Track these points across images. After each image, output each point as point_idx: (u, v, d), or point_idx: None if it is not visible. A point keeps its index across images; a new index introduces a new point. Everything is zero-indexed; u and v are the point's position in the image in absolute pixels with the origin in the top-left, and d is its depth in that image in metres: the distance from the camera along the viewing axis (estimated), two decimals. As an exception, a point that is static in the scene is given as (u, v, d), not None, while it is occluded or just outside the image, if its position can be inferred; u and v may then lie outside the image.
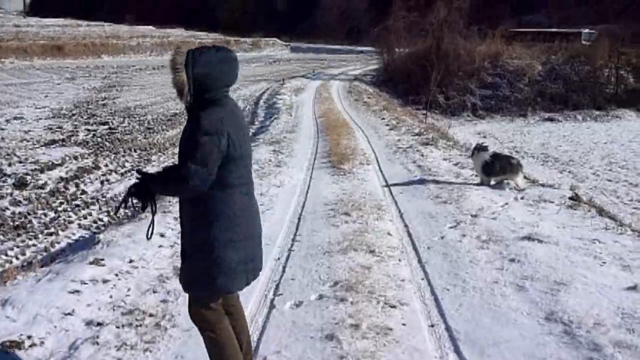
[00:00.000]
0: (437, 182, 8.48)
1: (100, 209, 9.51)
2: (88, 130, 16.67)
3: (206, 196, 2.72)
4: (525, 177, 8.68)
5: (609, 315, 3.84)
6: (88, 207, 9.55)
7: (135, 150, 13.94)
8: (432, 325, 3.87)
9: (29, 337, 3.55)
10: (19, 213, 9.02)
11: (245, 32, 73.63)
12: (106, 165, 12.33)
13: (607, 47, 30.85)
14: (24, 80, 30.10)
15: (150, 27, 68.06)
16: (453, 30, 31.69)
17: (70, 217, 9.05)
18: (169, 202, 6.61)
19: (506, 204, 7.13)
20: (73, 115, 19.48)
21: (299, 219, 6.67)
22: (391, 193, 8.01)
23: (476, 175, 8.64)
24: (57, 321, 3.76)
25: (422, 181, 8.60)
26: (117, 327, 3.74)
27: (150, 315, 3.93)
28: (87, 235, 8.09)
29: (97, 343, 3.55)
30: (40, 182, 10.76)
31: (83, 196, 10.15)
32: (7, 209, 9.20)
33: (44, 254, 7.43)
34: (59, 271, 4.58)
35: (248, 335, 3.21)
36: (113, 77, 33.29)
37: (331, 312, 4.00)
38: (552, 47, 33.76)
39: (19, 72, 34.03)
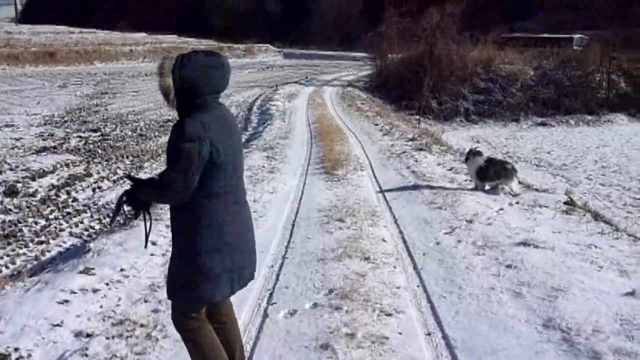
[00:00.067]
0: (431, 187, 8.43)
1: (92, 216, 9.40)
2: (80, 137, 16.54)
3: (191, 204, 2.69)
4: (519, 182, 8.65)
5: (607, 321, 3.79)
6: (79, 215, 9.44)
7: (127, 157, 13.84)
8: (429, 334, 3.81)
9: (16, 350, 3.47)
10: (9, 221, 8.90)
11: (239, 38, 73.63)
12: (98, 173, 12.21)
13: (598, 52, 31.01)
14: (15, 87, 29.92)
15: (143, 33, 67.96)
16: (446, 35, 31.75)
17: (61, 225, 8.94)
18: (161, 209, 6.53)
19: (501, 209, 7.08)
20: (65, 122, 19.34)
21: (293, 225, 6.60)
22: (385, 199, 7.95)
23: (470, 181, 8.60)
24: (45, 333, 3.68)
25: (416, 187, 8.55)
26: (107, 338, 3.66)
27: (141, 325, 3.84)
28: (78, 244, 7.99)
29: (86, 355, 3.47)
30: (31, 189, 10.64)
31: (74, 204, 10.04)
32: (-3, 217, 9.09)
33: (35, 262, 7.33)
34: (48, 281, 4.49)
35: (241, 345, 3.14)
36: (105, 84, 33.13)
37: (326, 321, 3.93)
38: (544, 53, 33.92)
39: (10, 79, 33.84)
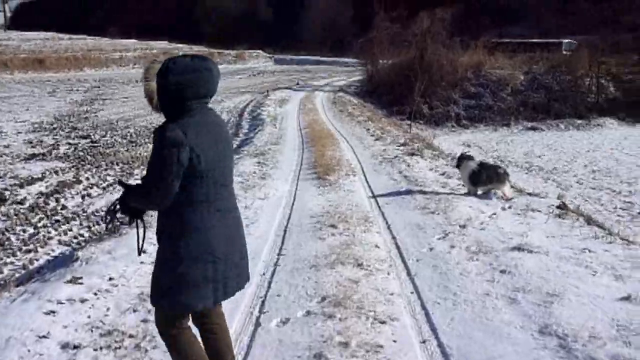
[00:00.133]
0: (423, 192, 8.39)
1: (81, 224, 9.28)
2: (69, 144, 16.40)
3: (172, 210, 2.65)
4: (512, 187, 8.63)
5: (604, 327, 3.74)
6: (68, 223, 9.31)
7: (117, 164, 13.72)
8: (424, 341, 3.75)
9: (1, 362, 3.38)
10: (-3, 230, 8.78)
11: (230, 44, 73.55)
12: (87, 179, 12.08)
13: (588, 56, 31.20)
14: (4, 94, 29.68)
15: (133, 40, 67.80)
16: (436, 41, 31.82)
17: (49, 232, 8.80)
18: (151, 216, 6.44)
19: (494, 213, 7.05)
20: (54, 129, 19.19)
21: (285, 232, 6.53)
22: (378, 204, 7.90)
23: (463, 185, 8.57)
24: (31, 344, 3.58)
25: (408, 192, 8.51)
26: (95, 350, 3.57)
27: (130, 336, 3.76)
28: (67, 252, 7.86)
29: (74, 367, 3.39)
30: (20, 197, 10.50)
31: (63, 211, 9.91)
32: (-15, 225, 8.95)
33: (23, 271, 7.20)
34: (35, 291, 4.39)
35: (233, 356, 3.07)
36: (95, 90, 32.96)
37: (319, 330, 3.86)
38: (534, 57, 34.06)
39: (-1, 86, 33.63)
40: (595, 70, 30.74)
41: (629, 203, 13.21)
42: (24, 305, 4.12)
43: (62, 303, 4.18)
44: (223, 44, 73.37)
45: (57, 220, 9.37)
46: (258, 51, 74.93)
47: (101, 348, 3.60)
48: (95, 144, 16.44)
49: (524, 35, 50.27)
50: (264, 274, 5.12)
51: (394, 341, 3.72)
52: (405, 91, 29.14)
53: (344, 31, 74.41)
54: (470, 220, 6.69)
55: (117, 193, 10.42)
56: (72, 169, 12.95)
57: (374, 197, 8.40)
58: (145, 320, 3.98)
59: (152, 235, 5.81)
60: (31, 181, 11.63)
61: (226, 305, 3.64)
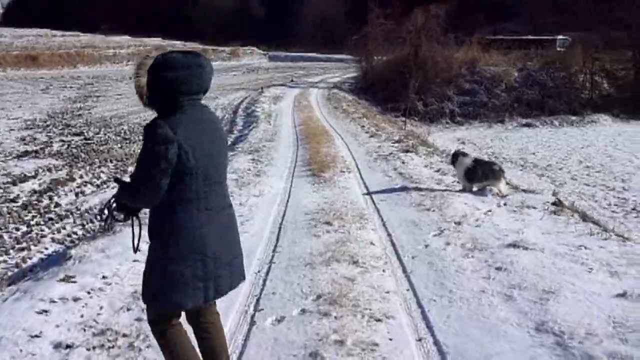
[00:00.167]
0: (419, 189, 8.37)
1: (74, 221, 9.22)
2: (63, 141, 16.31)
3: (162, 208, 2.62)
4: (507, 183, 8.62)
5: (600, 324, 3.73)
6: (62, 220, 9.25)
7: (111, 161, 13.65)
8: (420, 339, 3.72)
9: (-7, 362, 3.34)
10: (-11, 228, 8.71)
11: (224, 41, 73.33)
12: (81, 177, 12.02)
13: (582, 53, 31.22)
14: (-4, 91, 29.53)
15: (127, 36, 67.49)
16: (430, 37, 31.77)
17: (43, 231, 8.75)
18: (145, 213, 6.39)
19: (489, 210, 7.04)
20: (47, 126, 19.08)
21: (280, 229, 6.50)
22: (373, 201, 7.88)
23: (458, 182, 8.56)
24: (23, 344, 3.53)
25: (403, 188, 8.49)
26: (88, 350, 3.53)
27: (124, 335, 3.72)
28: (60, 250, 7.82)
29: (66, 367, 3.35)
30: (12, 195, 10.43)
31: (57, 209, 9.85)
32: (-23, 223, 8.88)
33: (15, 270, 7.14)
34: (27, 290, 4.35)
35: (227, 355, 3.04)
36: (89, 87, 32.80)
37: (314, 328, 3.83)
38: (528, 54, 34.04)
39: (-9, 83, 33.41)
40: (590, 67, 30.77)
41: (623, 199, 13.23)
42: (16, 304, 4.07)
43: (54, 302, 4.13)
44: (217, 40, 73.18)
45: (51, 218, 9.31)
46: (252, 48, 74.77)
47: (94, 347, 3.56)
48: (89, 141, 16.36)
49: (518, 31, 50.34)
50: (258, 271, 5.09)
51: (390, 339, 3.70)
52: (399, 88, 29.11)
53: (338, 28, 74.27)
54: (466, 217, 6.68)
55: (111, 190, 10.36)
56: (66, 167, 12.88)
57: (369, 194, 8.38)
58: (139, 319, 3.93)
59: (144, 233, 5.80)
60: (24, 179, 11.55)
61: (221, 304, 3.60)
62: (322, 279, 4.74)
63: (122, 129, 18.79)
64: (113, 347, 3.58)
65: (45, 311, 3.97)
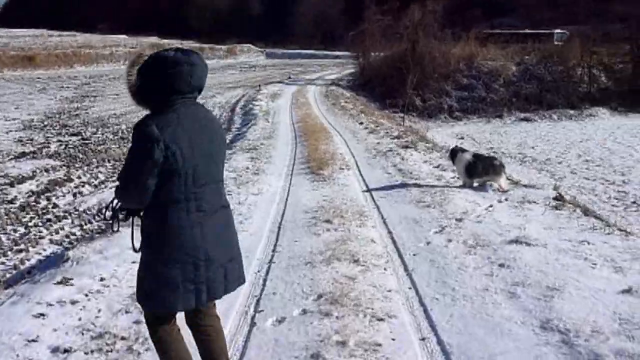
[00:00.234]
0: (419, 185, 8.31)
1: (72, 222, 9.16)
2: (60, 141, 16.24)
3: (151, 209, 2.59)
4: (507, 178, 8.56)
5: (606, 321, 3.67)
6: (60, 221, 9.19)
7: (109, 161, 13.58)
8: (423, 339, 3.66)
9: (-11, 368, 3.28)
10: (-13, 230, 8.65)
11: (220, 39, 73.21)
12: (79, 177, 11.95)
13: (579, 47, 31.17)
14: (-7, 92, 29.42)
15: (124, 35, 67.41)
16: (428, 33, 31.71)
17: (41, 232, 8.68)
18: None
19: (490, 206, 6.98)
20: (45, 126, 19.03)
21: (279, 228, 6.43)
22: (373, 198, 7.81)
23: (458, 178, 8.50)
24: (19, 349, 3.47)
25: (403, 185, 8.43)
26: (86, 353, 3.46)
27: (122, 338, 3.65)
28: (58, 251, 7.75)
29: (64, 372, 3.29)
30: (10, 196, 10.36)
31: (55, 210, 9.79)
32: (-26, 225, 8.81)
33: (14, 272, 7.08)
34: (24, 293, 4.28)
35: (227, 358, 2.98)
36: (86, 87, 32.73)
37: (316, 329, 3.76)
38: (526, 48, 33.97)
39: (-12, 84, 33.28)
40: (587, 60, 30.72)
41: (623, 193, 13.19)
42: (12, 308, 4.01)
43: (52, 305, 4.07)
44: (214, 38, 73.11)
45: (49, 219, 9.25)
46: (249, 45, 74.64)
47: (92, 351, 3.49)
48: (86, 142, 16.30)
49: (515, 26, 50.24)
50: (258, 271, 5.02)
51: (393, 339, 3.63)
52: (397, 84, 29.03)
53: (335, 24, 74.23)
54: (467, 213, 6.62)
55: (110, 190, 10.30)
56: (63, 167, 12.82)
57: (369, 191, 8.32)
58: (137, 322, 3.86)
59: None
60: (22, 180, 11.49)
61: (220, 305, 3.54)
62: (322, 278, 4.67)
63: (120, 128, 18.72)
64: (111, 350, 3.51)
65: (43, 315, 3.91)
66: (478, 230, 5.90)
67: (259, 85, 31.97)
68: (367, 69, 36.77)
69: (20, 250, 7.85)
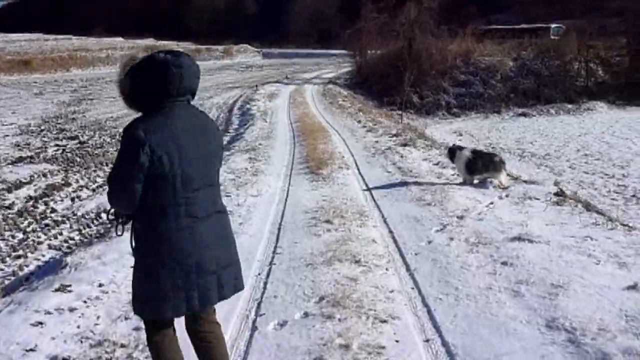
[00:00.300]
0: (418, 183, 8.26)
1: (71, 227, 9.10)
2: (57, 145, 16.17)
3: (140, 215, 2.56)
4: (508, 175, 8.52)
5: (612, 319, 3.62)
6: (58, 226, 9.13)
7: (106, 164, 13.49)
8: (427, 340, 3.61)
9: (-13, 379, 3.22)
10: (-15, 236, 8.58)
11: (217, 39, 73.12)
12: (77, 182, 11.89)
13: (576, 41, 31.12)
14: (-11, 97, 29.31)
15: (120, 38, 67.24)
16: (424, 30, 31.67)
17: (39, 237, 8.62)
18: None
19: (491, 203, 6.93)
20: (42, 131, 18.93)
21: (279, 229, 6.37)
22: (373, 197, 7.76)
23: (458, 175, 8.46)
24: (18, 359, 3.41)
25: (403, 183, 8.38)
26: (85, 362, 3.41)
27: (122, 345, 3.60)
28: (57, 256, 7.69)
29: (63, 381, 3.23)
30: (8, 202, 10.29)
31: (53, 215, 9.72)
32: (-28, 232, 8.75)
33: (12, 278, 7.02)
34: (22, 301, 4.22)
35: (228, 365, 2.92)
36: (83, 91, 32.63)
37: (318, 332, 3.70)
38: (522, 43, 33.89)
39: (-16, 89, 33.16)
40: (584, 54, 30.68)
41: (623, 186, 13.14)
42: (10, 317, 3.94)
43: (50, 313, 4.01)
44: (210, 39, 72.99)
45: (47, 225, 9.19)
46: (246, 46, 74.48)
47: (91, 360, 3.44)
48: (84, 145, 16.23)
49: (510, 22, 50.25)
50: (259, 274, 4.96)
51: (397, 341, 3.58)
52: (394, 81, 28.99)
53: (330, 23, 74.25)
54: (468, 210, 6.57)
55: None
56: (61, 171, 12.74)
57: (369, 190, 8.26)
58: (137, 328, 3.80)
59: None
60: (19, 185, 11.41)
61: (221, 309, 3.50)
62: (324, 279, 4.62)
63: (117, 131, 18.61)
64: (111, 358, 3.46)
65: (41, 323, 3.85)
66: (480, 228, 5.85)
67: (256, 85, 31.90)
68: (364, 67, 36.70)
69: (19, 256, 7.79)
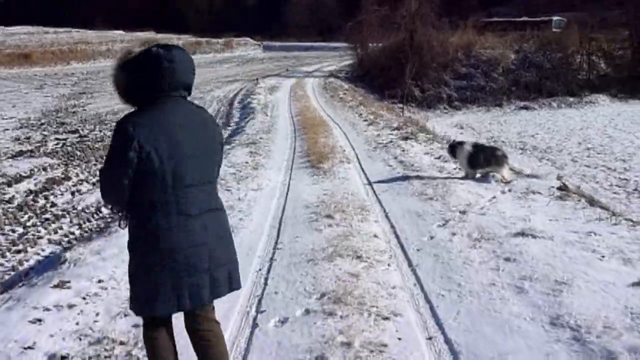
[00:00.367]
0: (420, 177, 8.21)
1: (71, 221, 9.07)
2: (57, 139, 16.11)
3: (132, 212, 2.55)
4: (510, 169, 8.46)
5: (617, 316, 3.57)
6: (58, 221, 9.09)
7: (106, 158, 13.45)
8: (430, 338, 3.56)
9: (-16, 378, 3.18)
10: (-16, 230, 8.54)
11: (217, 32, 72.77)
12: (77, 175, 11.85)
13: (578, 33, 31.00)
14: (-11, 90, 29.23)
15: (120, 31, 66.97)
16: (425, 22, 31.53)
17: (39, 232, 8.59)
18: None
19: (494, 197, 6.88)
20: (42, 124, 18.87)
21: (280, 224, 6.32)
22: (374, 192, 7.71)
23: (460, 169, 8.40)
24: (15, 357, 3.36)
25: (405, 177, 8.33)
26: (84, 360, 3.37)
27: (121, 343, 3.55)
28: (57, 251, 7.66)
29: (61, 380, 3.18)
30: (8, 196, 10.25)
31: (53, 209, 9.69)
32: (-28, 227, 8.72)
33: (12, 273, 6.99)
34: (20, 297, 4.18)
35: (228, 364, 2.88)
36: (83, 84, 32.53)
37: (319, 329, 3.65)
38: (524, 36, 33.80)
39: (-16, 82, 33.07)
40: (586, 47, 30.59)
41: (624, 180, 13.12)
42: (8, 313, 3.90)
43: (48, 310, 3.96)
44: (210, 32, 72.65)
45: (47, 219, 9.16)
46: (246, 39, 74.17)
47: (90, 358, 3.39)
48: (84, 139, 16.17)
49: (512, 14, 50.03)
50: (259, 269, 4.91)
51: (399, 339, 3.53)
52: (396, 74, 28.90)
53: (331, 15, 73.95)
54: (470, 205, 6.52)
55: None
56: (61, 165, 12.72)
57: (370, 184, 8.21)
58: (136, 325, 3.75)
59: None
60: (19, 179, 11.38)
61: (222, 305, 3.46)
62: (325, 275, 4.57)
63: (118, 125, 18.58)
64: (110, 356, 3.42)
65: (39, 320, 3.80)
66: (482, 223, 5.80)
67: (257, 79, 31.79)
68: (365, 60, 36.56)
69: (19, 251, 7.77)
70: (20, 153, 14.01)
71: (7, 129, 17.68)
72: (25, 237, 8.34)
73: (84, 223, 8.93)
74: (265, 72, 38.78)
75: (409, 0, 31.91)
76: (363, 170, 9.24)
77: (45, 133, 17.20)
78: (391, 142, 11.77)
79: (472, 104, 29.04)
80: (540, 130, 21.70)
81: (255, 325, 3.80)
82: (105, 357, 3.41)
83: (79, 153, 14.10)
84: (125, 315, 3.92)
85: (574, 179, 12.33)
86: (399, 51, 30.02)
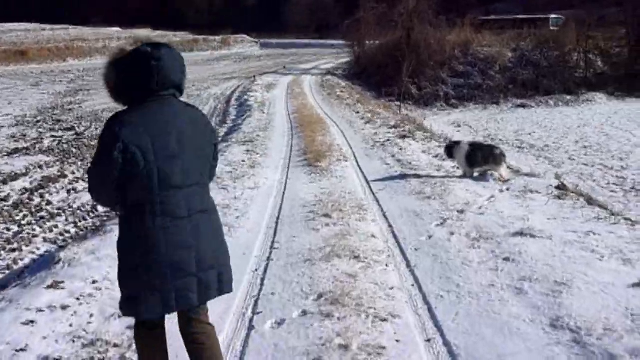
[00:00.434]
0: (418, 176, 8.17)
1: (66, 220, 9.00)
2: (53, 136, 16.05)
3: (121, 212, 2.53)
4: (508, 168, 8.43)
5: (618, 318, 3.53)
6: (54, 219, 9.03)
7: (102, 156, 13.39)
8: (429, 340, 3.51)
9: (-25, 381, 3.12)
10: (-21, 229, 8.47)
11: (214, 29, 72.61)
12: (73, 173, 11.77)
13: (575, 31, 30.97)
14: (-15, 88, 29.11)
15: (117, 28, 66.75)
16: (423, 20, 31.49)
17: (34, 230, 8.52)
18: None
19: (492, 196, 6.84)
20: (38, 122, 18.81)
21: (277, 223, 6.27)
22: (372, 191, 7.66)
23: (458, 168, 8.36)
24: (7, 360, 3.32)
25: (403, 176, 8.28)
26: (77, 363, 3.32)
27: (115, 345, 3.50)
28: (52, 250, 7.60)
29: (54, 383, 3.13)
30: (3, 194, 10.19)
31: (48, 207, 9.62)
32: (-34, 225, 8.64)
33: (7, 272, 6.93)
34: (13, 298, 4.12)
35: (223, 366, 2.83)
36: (79, 81, 32.44)
37: (317, 331, 3.60)
38: (522, 34, 33.74)
39: (-20, 79, 32.93)
40: (583, 45, 30.56)
41: (622, 178, 13.09)
42: (0, 315, 3.84)
43: (42, 311, 3.90)
44: (207, 29, 72.48)
45: (42, 217, 9.10)
46: (243, 36, 74.05)
47: (84, 360, 3.34)
48: (80, 136, 16.11)
49: (510, 12, 49.99)
50: (256, 270, 4.86)
51: (397, 341, 3.48)
52: (393, 72, 28.86)
53: (329, 13, 73.86)
54: (468, 204, 6.48)
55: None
56: (57, 163, 12.65)
57: (368, 183, 8.16)
58: (131, 327, 3.65)
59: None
60: (14, 177, 11.32)
61: (218, 307, 3.41)
62: (322, 276, 4.51)
63: (114, 122, 18.51)
64: (103, 359, 3.37)
65: (32, 322, 3.74)
66: (480, 223, 5.75)
67: (254, 76, 31.73)
68: (363, 57, 36.51)
69: (14, 250, 7.70)
70: (16, 150, 13.96)
71: (2, 126, 17.62)
72: (21, 235, 8.27)
73: (80, 221, 8.86)
74: (263, 69, 38.71)
75: (406, -3, 31.90)
76: (360, 169, 9.19)
77: (41, 130, 17.15)
78: (388, 140, 11.73)
79: (470, 102, 29.01)
80: (537, 129, 21.67)
81: (251, 327, 3.75)
82: (99, 359, 3.35)
83: (75, 151, 14.04)
84: (120, 317, 3.85)
85: (571, 177, 12.30)
86: (397, 49, 29.96)
